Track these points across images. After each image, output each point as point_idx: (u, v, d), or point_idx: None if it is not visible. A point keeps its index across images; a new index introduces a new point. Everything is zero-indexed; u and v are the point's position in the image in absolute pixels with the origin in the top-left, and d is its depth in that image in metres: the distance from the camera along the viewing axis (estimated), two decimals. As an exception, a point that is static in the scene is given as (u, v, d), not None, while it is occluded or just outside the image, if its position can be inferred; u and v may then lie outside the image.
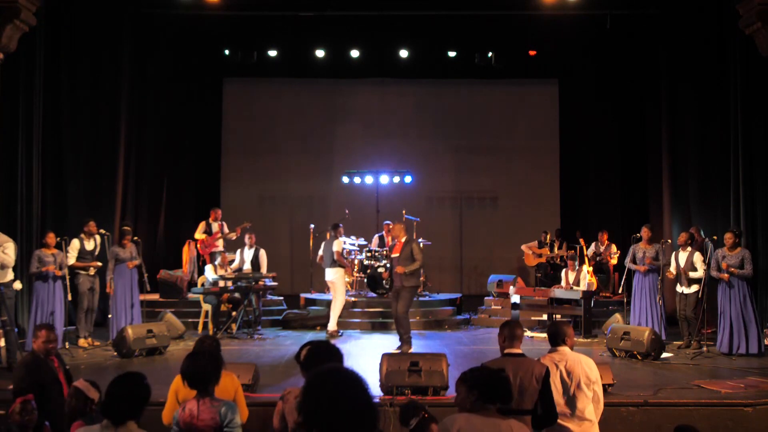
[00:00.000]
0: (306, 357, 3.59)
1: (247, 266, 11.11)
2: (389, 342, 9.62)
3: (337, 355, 3.53)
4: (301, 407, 2.17)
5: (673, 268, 9.09)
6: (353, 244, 11.86)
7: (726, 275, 8.36)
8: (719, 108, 10.10)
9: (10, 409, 3.81)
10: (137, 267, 9.34)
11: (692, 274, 8.87)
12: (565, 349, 4.35)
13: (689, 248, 9.05)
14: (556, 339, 4.40)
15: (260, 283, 10.26)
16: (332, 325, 10.09)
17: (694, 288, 8.87)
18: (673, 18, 11.28)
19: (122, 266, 9.20)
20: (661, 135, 11.90)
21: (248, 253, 11.19)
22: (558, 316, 10.47)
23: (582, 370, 4.26)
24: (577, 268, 10.60)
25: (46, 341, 4.84)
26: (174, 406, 4.09)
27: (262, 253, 11.17)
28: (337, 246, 10.31)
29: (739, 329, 8.31)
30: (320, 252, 10.74)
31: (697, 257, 8.94)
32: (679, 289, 9.07)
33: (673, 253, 9.29)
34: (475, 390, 3.24)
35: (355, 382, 2.18)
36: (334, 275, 10.28)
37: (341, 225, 10.76)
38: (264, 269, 10.92)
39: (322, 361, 3.42)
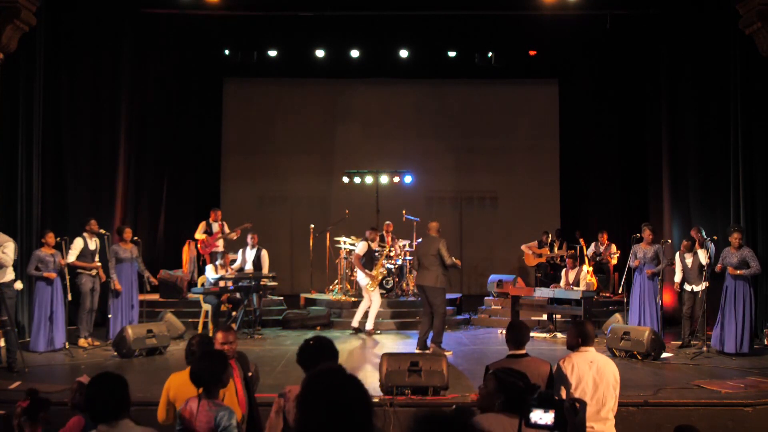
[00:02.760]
0: (299, 354, 3.63)
1: (249, 266, 11.12)
2: (389, 342, 9.64)
3: (330, 352, 3.57)
4: (298, 409, 2.20)
5: (678, 273, 9.11)
6: (353, 245, 11.86)
7: (720, 266, 8.39)
8: (719, 108, 10.09)
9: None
10: (137, 268, 9.37)
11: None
12: (592, 350, 4.34)
13: (692, 252, 9.10)
14: (586, 339, 4.34)
15: (261, 282, 10.27)
16: (368, 324, 10.14)
17: (704, 285, 8.86)
18: (673, 18, 11.28)
19: (122, 266, 9.20)
20: (661, 135, 11.90)
21: (250, 254, 11.20)
22: (558, 316, 10.48)
23: (610, 371, 4.25)
24: (577, 267, 10.60)
25: (222, 343, 4.47)
26: (165, 404, 4.10)
27: (264, 253, 11.17)
28: (359, 249, 10.43)
29: (739, 329, 8.30)
30: None
31: (702, 254, 8.97)
32: (688, 287, 9.07)
33: (677, 257, 9.30)
34: (502, 395, 3.26)
35: (351, 382, 2.20)
36: (360, 277, 10.45)
37: (375, 228, 10.79)
38: (266, 269, 10.93)
39: (316, 357, 3.47)
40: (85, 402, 3.27)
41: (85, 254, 9.10)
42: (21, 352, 7.60)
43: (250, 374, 4.77)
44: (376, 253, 10.86)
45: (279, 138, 14.75)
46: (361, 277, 10.41)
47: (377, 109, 14.73)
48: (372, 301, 10.20)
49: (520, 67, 14.11)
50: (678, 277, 9.16)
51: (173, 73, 13.23)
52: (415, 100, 14.75)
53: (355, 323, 10.25)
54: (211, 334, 9.43)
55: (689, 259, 9.07)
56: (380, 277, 10.62)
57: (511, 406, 3.21)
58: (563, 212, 14.61)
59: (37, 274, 8.51)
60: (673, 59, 11.53)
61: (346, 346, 9.31)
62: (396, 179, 13.53)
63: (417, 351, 8.36)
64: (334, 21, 12.47)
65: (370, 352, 8.92)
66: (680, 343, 9.07)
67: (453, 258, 8.78)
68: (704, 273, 8.74)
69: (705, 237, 9.47)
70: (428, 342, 8.64)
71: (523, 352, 4.36)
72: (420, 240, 10.43)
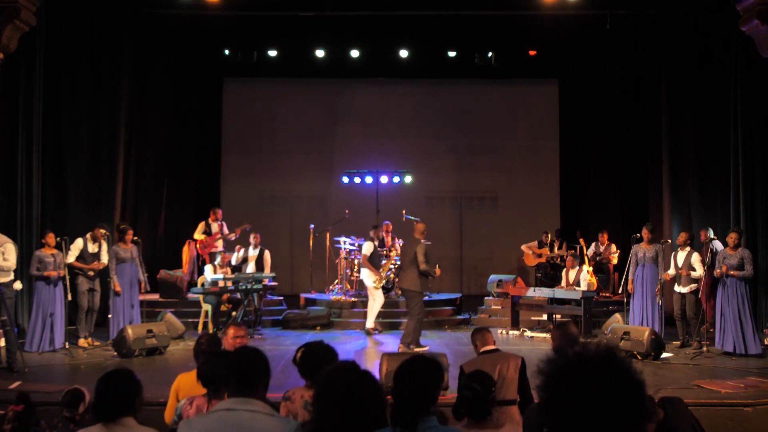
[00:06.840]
0: (301, 358, 3.62)
1: (251, 266, 11.13)
2: (389, 342, 9.64)
3: (331, 355, 3.56)
4: (314, 404, 2.29)
5: (672, 269, 9.11)
6: (353, 244, 11.86)
7: (719, 271, 8.38)
8: (719, 108, 10.09)
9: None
10: (138, 269, 9.36)
11: (693, 274, 8.87)
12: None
13: (688, 248, 9.06)
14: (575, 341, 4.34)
15: (262, 283, 10.27)
16: (368, 323, 10.11)
17: (692, 287, 8.87)
18: (673, 18, 11.28)
19: (123, 266, 9.19)
20: (661, 135, 11.89)
21: (253, 253, 11.21)
22: (558, 316, 10.48)
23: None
24: (577, 267, 10.60)
25: (235, 337, 4.64)
26: (173, 406, 4.07)
27: (267, 253, 11.18)
28: (365, 248, 10.27)
29: (737, 329, 8.30)
30: None
31: (695, 257, 8.93)
32: (677, 288, 9.08)
33: (672, 253, 9.29)
34: (461, 408, 3.42)
35: (364, 377, 2.30)
36: (364, 276, 10.32)
37: (377, 226, 10.69)
38: (268, 269, 10.93)
39: (318, 361, 3.46)
40: (94, 397, 3.23)
41: (84, 256, 9.10)
42: (21, 352, 7.61)
43: None
44: (383, 251, 10.85)
45: (279, 138, 14.75)
46: (365, 276, 10.25)
47: (377, 109, 14.73)
48: (375, 300, 10.16)
49: (520, 67, 14.12)
50: (672, 267, 9.10)
51: (173, 73, 13.24)
52: (415, 100, 14.74)
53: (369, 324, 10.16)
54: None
55: (681, 257, 9.04)
56: (387, 276, 10.56)
57: (474, 415, 3.35)
58: (563, 212, 14.61)
59: (38, 274, 8.51)
60: (673, 59, 11.52)
61: (345, 346, 9.31)
62: (396, 179, 13.54)
63: (399, 351, 8.32)
64: (334, 21, 12.47)
65: (370, 352, 8.91)
66: (679, 343, 9.07)
67: (429, 265, 8.52)
68: (699, 279, 8.72)
69: (714, 237, 9.44)
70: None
71: (493, 347, 4.45)
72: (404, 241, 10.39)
